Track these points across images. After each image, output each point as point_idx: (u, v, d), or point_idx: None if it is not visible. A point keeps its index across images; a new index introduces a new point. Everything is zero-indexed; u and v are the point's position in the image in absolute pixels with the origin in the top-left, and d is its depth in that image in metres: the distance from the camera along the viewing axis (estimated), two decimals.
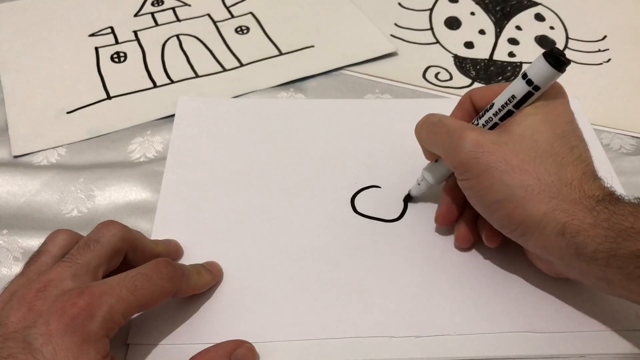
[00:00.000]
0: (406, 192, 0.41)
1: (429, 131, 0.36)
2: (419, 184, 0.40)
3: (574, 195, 0.30)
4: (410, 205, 0.41)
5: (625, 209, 0.29)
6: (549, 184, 0.31)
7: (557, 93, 0.34)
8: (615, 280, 0.29)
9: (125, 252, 0.33)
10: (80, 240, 0.32)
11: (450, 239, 0.39)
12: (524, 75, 0.32)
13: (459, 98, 0.38)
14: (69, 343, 0.26)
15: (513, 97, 0.33)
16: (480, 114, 0.36)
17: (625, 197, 0.31)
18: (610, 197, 0.30)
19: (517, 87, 0.33)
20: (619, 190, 0.42)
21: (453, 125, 0.34)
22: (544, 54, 0.31)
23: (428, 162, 0.40)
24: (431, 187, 0.40)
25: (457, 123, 0.35)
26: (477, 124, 0.35)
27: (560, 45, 0.57)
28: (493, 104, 0.34)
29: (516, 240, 0.33)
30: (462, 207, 0.38)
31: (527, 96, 0.33)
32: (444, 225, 0.39)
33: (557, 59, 0.31)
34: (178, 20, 0.58)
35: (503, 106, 0.34)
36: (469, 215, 0.38)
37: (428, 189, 0.40)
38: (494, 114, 0.34)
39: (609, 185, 0.31)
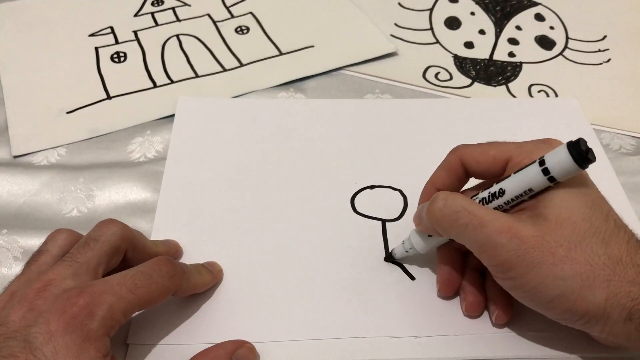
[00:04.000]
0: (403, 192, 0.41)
1: (454, 222, 0.31)
2: (406, 252, 0.36)
3: (630, 273, 0.29)
4: (410, 205, 0.41)
5: None
6: (601, 266, 0.28)
7: None
8: None
9: (125, 250, 0.32)
10: (80, 239, 0.32)
11: None
12: (542, 163, 0.29)
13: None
14: (70, 342, 0.26)
15: (530, 190, 0.30)
16: (484, 196, 0.32)
17: None
18: None
19: (534, 180, 0.30)
20: (619, 190, 0.43)
21: (484, 217, 0.30)
22: (569, 146, 0.28)
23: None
24: (419, 255, 0.36)
25: (484, 212, 0.30)
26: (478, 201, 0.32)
27: (560, 45, 0.57)
28: (503, 192, 0.31)
29: (579, 328, 0.31)
30: (463, 271, 0.36)
31: (545, 190, 0.30)
32: (449, 295, 0.36)
33: (582, 155, 0.28)
34: (178, 20, 0.58)
35: (517, 197, 0.31)
36: (473, 279, 0.35)
37: (415, 255, 0.37)
38: (505, 203, 0.31)
39: None
